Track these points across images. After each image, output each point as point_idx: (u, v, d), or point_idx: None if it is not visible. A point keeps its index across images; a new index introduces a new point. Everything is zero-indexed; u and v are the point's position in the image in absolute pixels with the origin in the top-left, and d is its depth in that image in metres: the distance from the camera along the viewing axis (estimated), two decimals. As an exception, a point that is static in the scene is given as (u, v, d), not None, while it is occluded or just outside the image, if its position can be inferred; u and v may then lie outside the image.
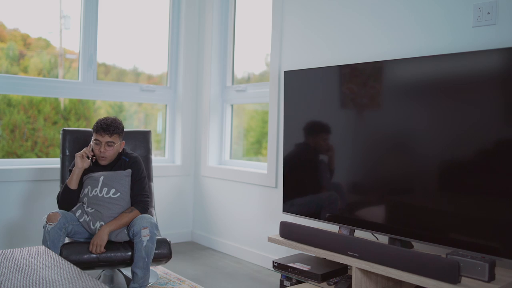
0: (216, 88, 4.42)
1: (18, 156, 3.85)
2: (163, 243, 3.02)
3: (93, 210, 2.91)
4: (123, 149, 3.14)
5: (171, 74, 4.59)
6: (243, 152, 4.44)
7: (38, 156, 3.93)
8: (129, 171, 3.03)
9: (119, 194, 2.94)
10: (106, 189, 2.93)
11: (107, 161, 3.00)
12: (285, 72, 3.16)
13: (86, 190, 2.97)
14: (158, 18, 4.58)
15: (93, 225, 2.89)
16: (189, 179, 4.57)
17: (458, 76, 2.32)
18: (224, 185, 4.19)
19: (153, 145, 4.60)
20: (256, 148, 4.40)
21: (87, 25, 4.07)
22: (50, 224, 2.77)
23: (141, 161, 3.14)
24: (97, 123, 2.99)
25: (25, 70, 3.88)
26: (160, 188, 4.29)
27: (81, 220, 2.92)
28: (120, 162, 3.07)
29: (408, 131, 2.53)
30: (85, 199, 2.95)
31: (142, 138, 3.82)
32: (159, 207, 4.16)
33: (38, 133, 3.95)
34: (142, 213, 2.98)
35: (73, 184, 2.96)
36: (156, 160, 4.45)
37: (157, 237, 3.03)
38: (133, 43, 4.45)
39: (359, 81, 2.73)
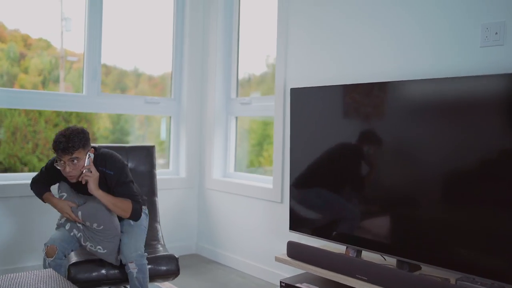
0: (221, 100, 4.41)
1: (19, 159, 3.84)
2: (171, 260, 3.01)
3: (83, 228, 2.85)
4: (102, 158, 2.84)
5: (175, 86, 4.58)
6: (244, 153, 4.43)
7: (39, 159, 3.91)
8: (102, 205, 2.80)
9: (102, 227, 2.81)
10: (88, 223, 2.81)
11: (76, 178, 2.76)
12: (291, 89, 3.16)
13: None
14: (162, 25, 4.56)
15: (84, 242, 2.85)
16: (193, 191, 4.56)
17: (467, 98, 2.32)
18: (229, 198, 4.18)
19: (157, 152, 4.59)
20: (257, 151, 4.41)
21: (91, 39, 4.05)
22: (48, 259, 2.78)
23: (123, 166, 2.88)
24: (54, 141, 2.70)
25: (25, 71, 3.87)
26: (165, 200, 4.28)
27: (71, 234, 2.86)
28: (103, 176, 2.81)
29: (415, 151, 2.52)
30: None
31: (146, 153, 3.82)
32: (163, 219, 4.15)
33: (39, 136, 3.94)
34: (134, 208, 2.81)
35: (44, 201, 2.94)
36: (161, 172, 4.44)
37: (165, 253, 3.06)
38: (136, 45, 4.42)
39: (366, 100, 2.72)
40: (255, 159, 4.42)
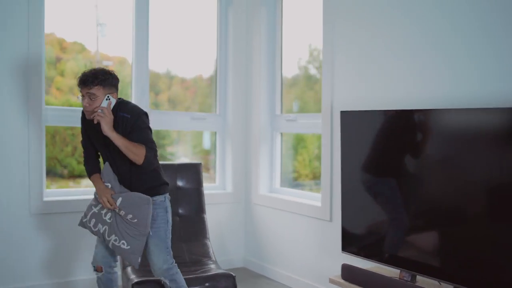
0: (265, 116, 4.49)
1: (59, 161, 3.95)
2: (228, 278, 3.16)
3: (111, 220, 2.84)
4: (122, 104, 2.83)
5: (220, 102, 4.68)
6: (288, 160, 4.51)
7: (78, 162, 4.03)
8: (148, 198, 2.80)
9: (136, 220, 2.79)
10: (123, 212, 2.80)
11: (89, 115, 2.75)
12: (341, 112, 3.21)
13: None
14: (196, 28, 4.62)
15: (108, 236, 2.83)
16: (240, 206, 4.65)
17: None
18: (276, 214, 4.26)
19: (202, 158, 4.73)
20: (291, 155, 4.49)
21: (139, 60, 4.20)
22: (98, 273, 2.95)
23: (141, 112, 2.81)
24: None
25: (61, 74, 3.99)
26: (212, 214, 4.36)
27: (95, 230, 2.87)
28: (118, 119, 2.75)
29: (471, 173, 2.51)
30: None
31: (194, 171, 3.95)
32: (211, 233, 4.22)
33: (78, 139, 4.06)
34: (147, 155, 2.72)
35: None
36: (207, 187, 4.52)
37: (222, 271, 3.21)
38: (169, 48, 4.48)
39: (415, 125, 2.77)
40: (290, 163, 4.50)
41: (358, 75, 3.46)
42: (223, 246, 4.52)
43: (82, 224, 2.94)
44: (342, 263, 3.03)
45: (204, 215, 3.93)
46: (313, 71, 4.34)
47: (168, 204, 2.99)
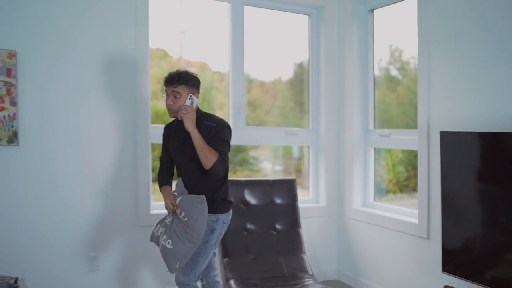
0: (358, 131, 4.53)
1: None
2: None
3: (169, 223, 2.93)
4: (209, 116, 3.01)
5: (313, 117, 4.78)
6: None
7: None
8: (202, 197, 2.87)
9: (186, 219, 2.84)
10: (179, 210, 2.89)
11: (173, 114, 2.93)
12: (441, 132, 3.20)
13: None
14: (284, 42, 4.73)
15: (161, 237, 2.92)
16: (333, 219, 4.72)
17: None
18: (370, 228, 4.29)
19: (291, 166, 4.85)
20: (375, 159, 4.52)
21: (236, 74, 4.39)
22: (202, 281, 3.19)
23: (226, 126, 2.96)
24: None
25: None
26: (305, 226, 4.44)
27: (157, 235, 2.99)
28: (201, 127, 2.90)
29: None
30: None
31: (288, 187, 4.08)
32: (305, 245, 4.30)
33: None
34: (217, 164, 2.81)
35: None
36: (301, 200, 4.61)
37: (319, 286, 3.33)
38: (249, 52, 4.53)
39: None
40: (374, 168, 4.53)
41: (455, 92, 3.42)
42: (316, 258, 4.61)
43: (151, 236, 3.10)
44: (444, 284, 3.03)
45: (300, 229, 4.04)
46: (394, 72, 4.35)
47: (220, 226, 3.02)
